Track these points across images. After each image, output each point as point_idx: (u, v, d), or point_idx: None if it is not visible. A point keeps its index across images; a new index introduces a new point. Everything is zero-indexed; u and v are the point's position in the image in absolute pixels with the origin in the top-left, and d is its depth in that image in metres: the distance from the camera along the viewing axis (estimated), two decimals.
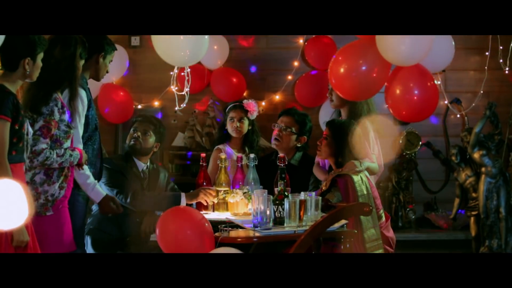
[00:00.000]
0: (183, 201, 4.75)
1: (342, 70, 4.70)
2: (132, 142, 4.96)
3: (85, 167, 4.24)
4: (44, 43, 3.73)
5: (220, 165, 4.65)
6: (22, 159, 3.68)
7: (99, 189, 4.37)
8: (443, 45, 5.07)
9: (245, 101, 5.32)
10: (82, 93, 4.23)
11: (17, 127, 3.58)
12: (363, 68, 4.66)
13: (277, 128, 5.19)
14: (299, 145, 5.23)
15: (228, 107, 5.39)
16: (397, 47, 4.50)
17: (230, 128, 5.32)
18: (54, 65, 4.00)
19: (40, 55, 3.72)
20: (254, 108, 5.33)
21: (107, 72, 4.62)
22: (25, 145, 3.70)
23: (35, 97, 3.94)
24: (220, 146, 5.34)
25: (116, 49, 4.63)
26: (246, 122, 5.32)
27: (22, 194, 3.37)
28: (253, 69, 6.30)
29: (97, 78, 4.58)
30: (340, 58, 4.77)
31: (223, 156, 4.67)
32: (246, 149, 5.35)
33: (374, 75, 4.68)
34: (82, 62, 4.19)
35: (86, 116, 4.32)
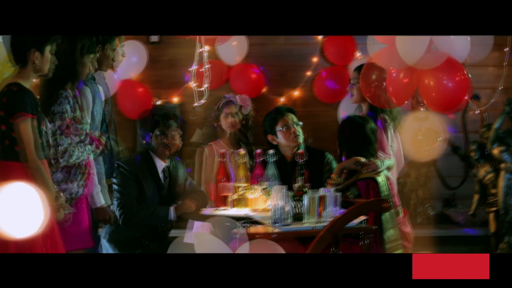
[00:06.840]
0: (172, 216, 4.83)
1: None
2: (160, 148, 5.00)
3: (96, 168, 4.25)
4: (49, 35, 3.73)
5: (238, 161, 4.66)
6: (44, 155, 3.71)
7: (101, 196, 4.33)
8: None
9: (238, 96, 5.38)
10: (86, 90, 4.20)
11: (35, 124, 3.61)
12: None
13: (293, 126, 5.08)
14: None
15: (222, 103, 5.45)
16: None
17: (224, 124, 5.40)
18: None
19: (48, 48, 3.72)
20: (248, 103, 5.39)
21: (113, 61, 4.59)
22: (46, 143, 3.73)
23: (42, 97, 3.97)
24: (212, 143, 5.41)
25: (116, 36, 4.55)
26: (239, 117, 5.40)
27: (37, 199, 3.40)
28: (271, 65, 6.30)
29: (103, 69, 4.57)
30: None
31: (242, 152, 4.68)
32: (241, 144, 5.38)
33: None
34: (89, 57, 4.15)
35: (91, 112, 4.29)
